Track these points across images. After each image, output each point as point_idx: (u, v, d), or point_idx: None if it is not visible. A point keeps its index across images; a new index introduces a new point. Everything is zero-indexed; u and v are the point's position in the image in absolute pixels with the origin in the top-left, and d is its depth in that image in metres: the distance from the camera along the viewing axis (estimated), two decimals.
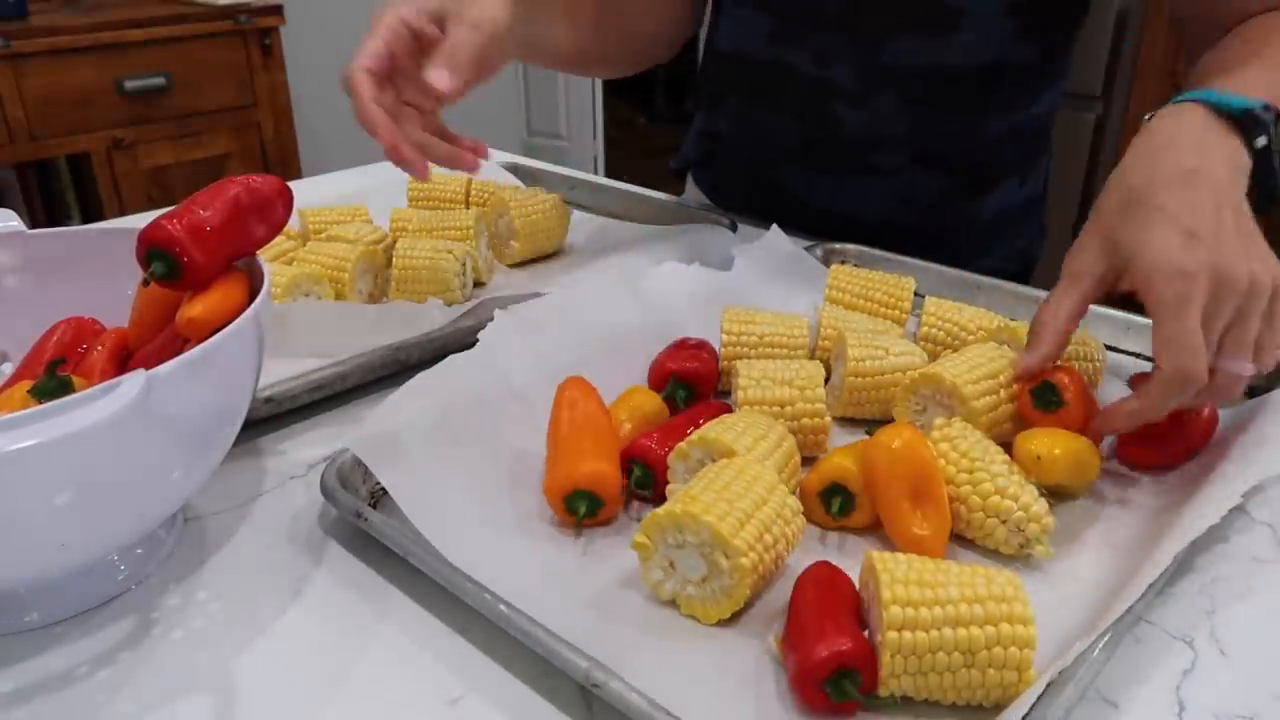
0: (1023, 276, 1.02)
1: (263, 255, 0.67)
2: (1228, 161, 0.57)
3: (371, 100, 0.64)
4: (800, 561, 0.50)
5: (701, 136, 1.10)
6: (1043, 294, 0.79)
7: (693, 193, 1.16)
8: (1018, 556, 0.52)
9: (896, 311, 0.76)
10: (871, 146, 0.93)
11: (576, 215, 1.02)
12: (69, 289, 0.62)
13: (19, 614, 0.49)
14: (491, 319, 0.68)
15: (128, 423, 0.41)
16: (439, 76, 0.64)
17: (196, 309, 0.51)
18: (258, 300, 0.50)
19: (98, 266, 0.62)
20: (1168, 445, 0.59)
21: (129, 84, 2.33)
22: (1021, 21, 0.85)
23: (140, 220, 0.65)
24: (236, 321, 0.48)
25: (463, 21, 0.67)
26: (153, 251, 0.50)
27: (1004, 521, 0.52)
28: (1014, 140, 0.94)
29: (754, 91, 0.99)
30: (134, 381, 0.41)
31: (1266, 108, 0.59)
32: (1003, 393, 0.60)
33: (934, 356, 0.70)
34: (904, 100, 0.90)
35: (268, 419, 0.65)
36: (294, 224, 0.96)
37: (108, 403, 0.40)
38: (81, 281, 0.62)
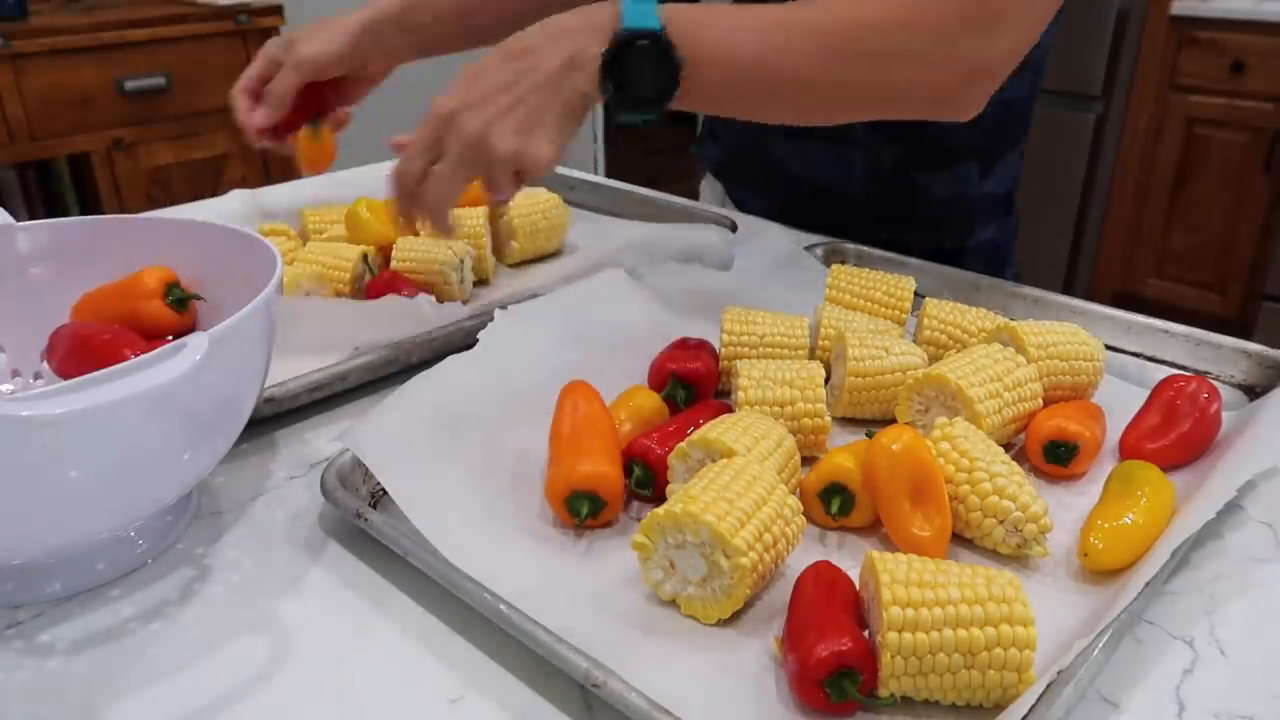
0: (996, 268, 1.02)
1: None
2: (565, 54, 0.63)
3: (245, 110, 0.92)
4: (800, 561, 0.50)
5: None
6: (1042, 293, 0.80)
7: (707, 190, 1.17)
8: (1016, 556, 0.52)
9: (896, 311, 0.76)
10: None
11: (576, 215, 1.02)
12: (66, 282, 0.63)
13: (43, 584, 0.50)
14: (491, 319, 0.68)
15: (192, 382, 0.44)
16: (256, 116, 0.91)
17: None
18: (276, 265, 0.54)
19: (96, 258, 0.63)
20: (1171, 447, 0.59)
21: (129, 84, 2.32)
22: None
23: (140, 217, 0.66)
24: (272, 283, 0.52)
25: (288, 61, 0.88)
26: None
27: (1002, 522, 0.52)
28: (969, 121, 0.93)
29: None
30: (199, 342, 0.44)
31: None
32: (1006, 395, 0.60)
33: (936, 358, 0.70)
34: None
35: (268, 419, 0.65)
36: (294, 224, 0.96)
37: (178, 362, 0.43)
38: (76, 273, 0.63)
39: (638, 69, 0.63)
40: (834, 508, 0.54)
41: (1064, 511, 0.55)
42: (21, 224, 0.63)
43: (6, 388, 0.62)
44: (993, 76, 0.68)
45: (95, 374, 0.42)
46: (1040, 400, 0.62)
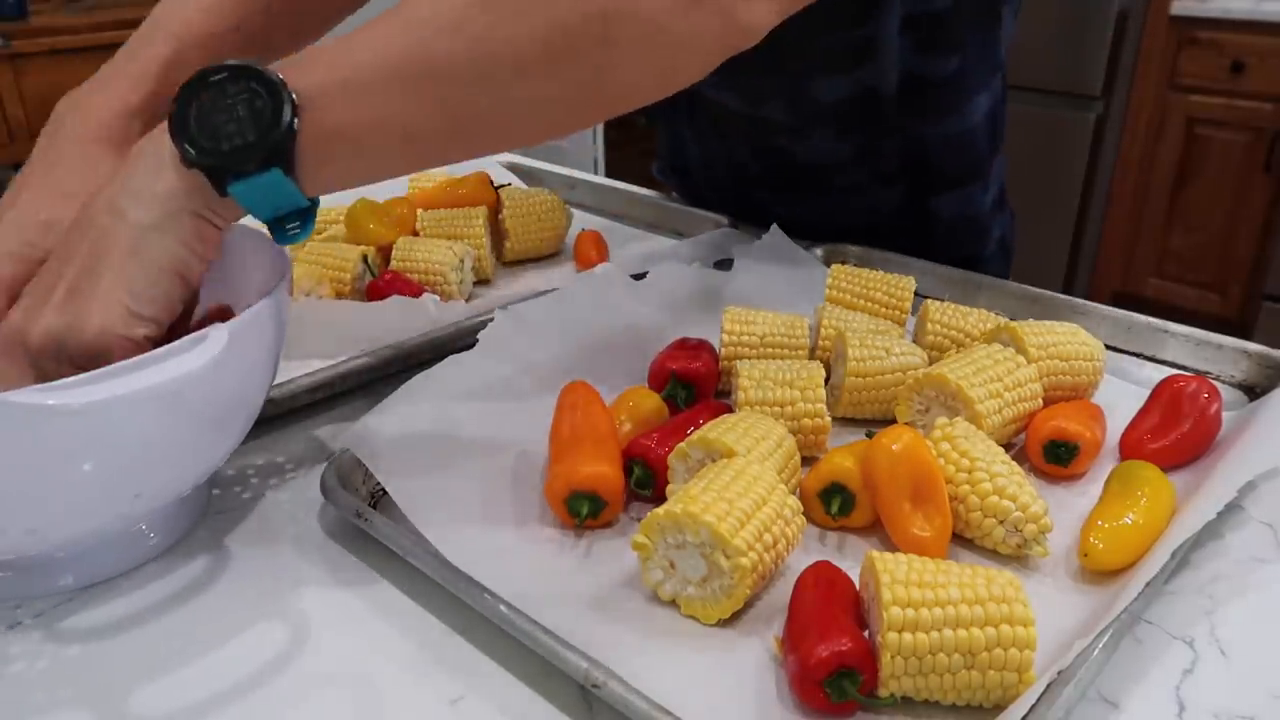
0: (1005, 263, 1.02)
1: None
2: None
3: None
4: (800, 561, 0.50)
5: (673, 138, 1.10)
6: (1042, 293, 0.80)
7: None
8: (1016, 556, 0.53)
9: (896, 311, 0.76)
10: (826, 172, 0.94)
11: (576, 215, 1.02)
12: None
13: (55, 577, 0.51)
14: (491, 319, 0.69)
15: (210, 375, 0.45)
16: None
17: None
18: (286, 264, 0.54)
19: None
20: (1171, 447, 0.59)
21: None
22: (921, 36, 0.85)
23: None
24: (284, 280, 0.52)
25: None
26: None
27: (1002, 522, 0.52)
28: (962, 143, 0.93)
29: (701, 122, 0.99)
30: (219, 335, 0.45)
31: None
32: (1006, 395, 0.60)
33: (937, 360, 0.70)
34: (840, 131, 0.90)
35: (268, 419, 0.65)
36: None
37: (199, 353, 0.44)
38: None
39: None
40: (834, 508, 0.54)
41: (1064, 511, 0.55)
42: None
43: None
44: None
45: (118, 365, 0.43)
46: (1040, 400, 0.62)
